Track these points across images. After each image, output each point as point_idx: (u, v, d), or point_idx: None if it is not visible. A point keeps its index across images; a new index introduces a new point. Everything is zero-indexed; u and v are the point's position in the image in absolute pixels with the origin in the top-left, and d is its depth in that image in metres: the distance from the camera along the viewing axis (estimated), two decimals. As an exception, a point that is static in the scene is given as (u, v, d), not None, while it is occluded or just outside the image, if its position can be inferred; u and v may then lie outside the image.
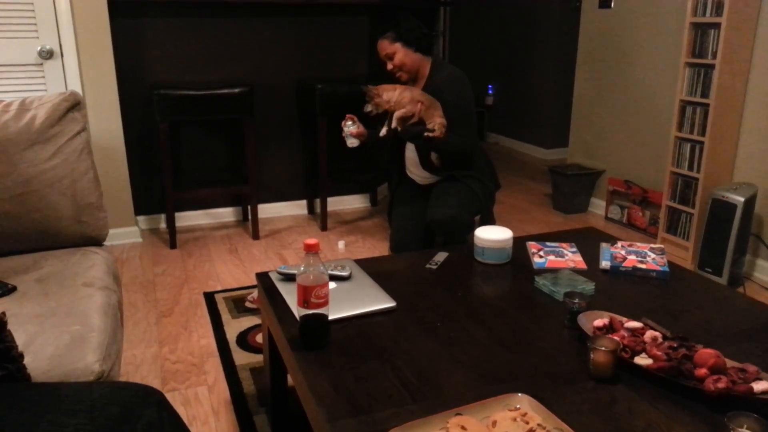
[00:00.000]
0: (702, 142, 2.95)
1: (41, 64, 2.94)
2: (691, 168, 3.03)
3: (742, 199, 2.68)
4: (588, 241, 2.06)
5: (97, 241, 1.95)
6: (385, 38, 2.64)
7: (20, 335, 1.38)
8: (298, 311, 1.37)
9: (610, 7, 3.63)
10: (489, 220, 2.83)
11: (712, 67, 2.86)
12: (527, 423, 1.09)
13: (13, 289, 1.61)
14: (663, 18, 3.29)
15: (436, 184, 2.76)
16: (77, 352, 1.34)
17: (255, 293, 2.67)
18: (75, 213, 1.86)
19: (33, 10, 2.87)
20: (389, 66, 2.68)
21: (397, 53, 2.64)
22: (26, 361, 1.26)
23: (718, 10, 2.79)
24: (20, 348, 1.28)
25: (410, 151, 2.79)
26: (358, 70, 3.73)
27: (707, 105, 2.90)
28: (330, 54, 3.65)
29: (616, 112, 3.69)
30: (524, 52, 5.50)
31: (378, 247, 3.27)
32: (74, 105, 1.90)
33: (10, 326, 1.39)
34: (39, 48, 2.91)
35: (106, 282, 1.70)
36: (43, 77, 2.95)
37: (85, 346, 1.37)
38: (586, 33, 3.86)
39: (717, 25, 2.81)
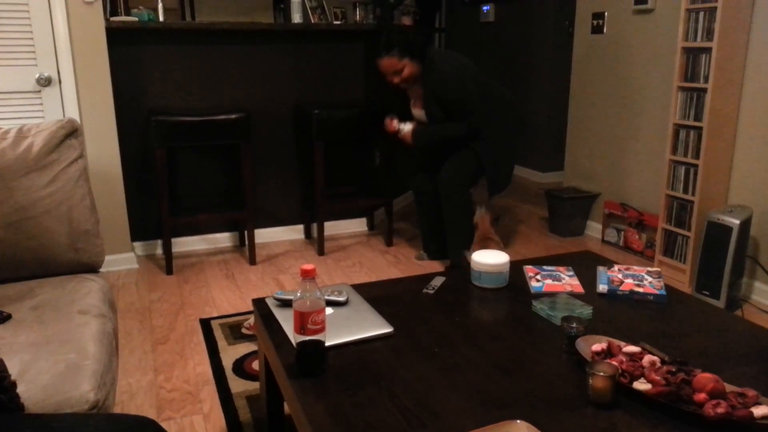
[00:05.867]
0: (696, 165, 2.97)
1: (39, 91, 2.96)
2: (686, 191, 3.05)
3: (737, 222, 2.68)
4: (585, 265, 2.06)
5: (93, 268, 1.95)
6: (391, 56, 2.73)
7: (15, 364, 1.36)
8: (294, 337, 1.36)
9: (602, 32, 3.68)
10: (499, 182, 3.09)
11: (704, 90, 2.89)
12: (526, 450, 1.08)
13: (8, 317, 1.60)
14: (655, 43, 3.34)
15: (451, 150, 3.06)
16: (72, 381, 1.33)
17: (251, 319, 2.65)
18: (71, 240, 1.86)
19: (32, 38, 2.89)
20: (395, 80, 2.80)
21: (406, 68, 2.76)
22: (20, 390, 1.25)
23: (709, 35, 2.84)
24: (14, 377, 1.27)
25: (417, 111, 3.10)
26: (355, 95, 3.76)
27: (700, 128, 2.92)
28: (326, 79, 3.68)
29: (611, 135, 3.72)
30: (518, 77, 5.56)
31: (376, 272, 3.26)
32: (71, 132, 1.91)
33: (5, 355, 1.39)
34: (37, 75, 2.93)
35: (102, 309, 1.69)
36: (41, 104, 2.97)
37: (79, 374, 1.35)
38: (580, 58, 3.91)
39: (708, 50, 2.85)
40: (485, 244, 3.07)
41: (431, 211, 3.29)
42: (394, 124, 3.10)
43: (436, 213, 3.28)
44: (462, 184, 2.91)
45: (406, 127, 3.06)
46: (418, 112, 3.05)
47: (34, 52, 2.91)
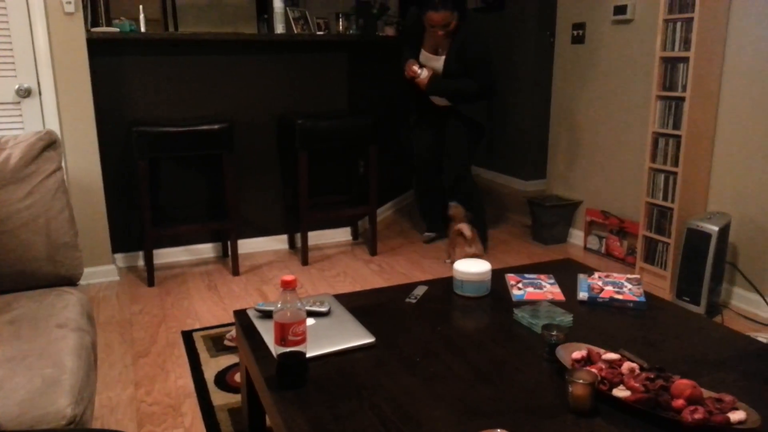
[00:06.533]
0: (675, 173, 3.00)
1: (19, 102, 2.93)
2: (665, 198, 3.08)
3: (716, 229, 2.72)
4: (566, 273, 2.07)
5: (71, 281, 1.92)
6: (446, 10, 3.15)
7: (-11, 380, 1.34)
8: (275, 349, 1.36)
9: (583, 42, 3.73)
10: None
11: (682, 99, 2.93)
12: (506, 459, 1.08)
13: (-16, 331, 1.57)
14: (634, 53, 3.39)
15: (449, 122, 3.55)
16: (49, 396, 1.31)
17: (234, 331, 2.63)
18: (49, 253, 1.84)
19: (11, 49, 2.87)
20: (441, 33, 3.22)
21: (453, 21, 3.20)
22: (-5, 406, 1.23)
23: (686, 44, 2.88)
24: (-11, 393, 1.25)
25: (434, 62, 3.45)
26: (338, 105, 3.77)
27: (679, 136, 2.96)
28: (310, 89, 3.69)
29: (592, 143, 3.76)
30: (501, 86, 5.60)
31: (360, 281, 3.26)
32: (50, 144, 1.89)
33: (-21, 371, 1.36)
34: (17, 86, 2.91)
35: (80, 323, 1.67)
36: (21, 116, 2.94)
37: (57, 389, 1.34)
38: (560, 67, 3.95)
39: (686, 59, 2.89)
40: (462, 230, 3.25)
41: (432, 187, 3.78)
42: (416, 68, 3.38)
43: (436, 191, 3.78)
44: (467, 164, 3.53)
45: (423, 73, 3.37)
46: (434, 63, 3.40)
47: (13, 63, 2.89)
